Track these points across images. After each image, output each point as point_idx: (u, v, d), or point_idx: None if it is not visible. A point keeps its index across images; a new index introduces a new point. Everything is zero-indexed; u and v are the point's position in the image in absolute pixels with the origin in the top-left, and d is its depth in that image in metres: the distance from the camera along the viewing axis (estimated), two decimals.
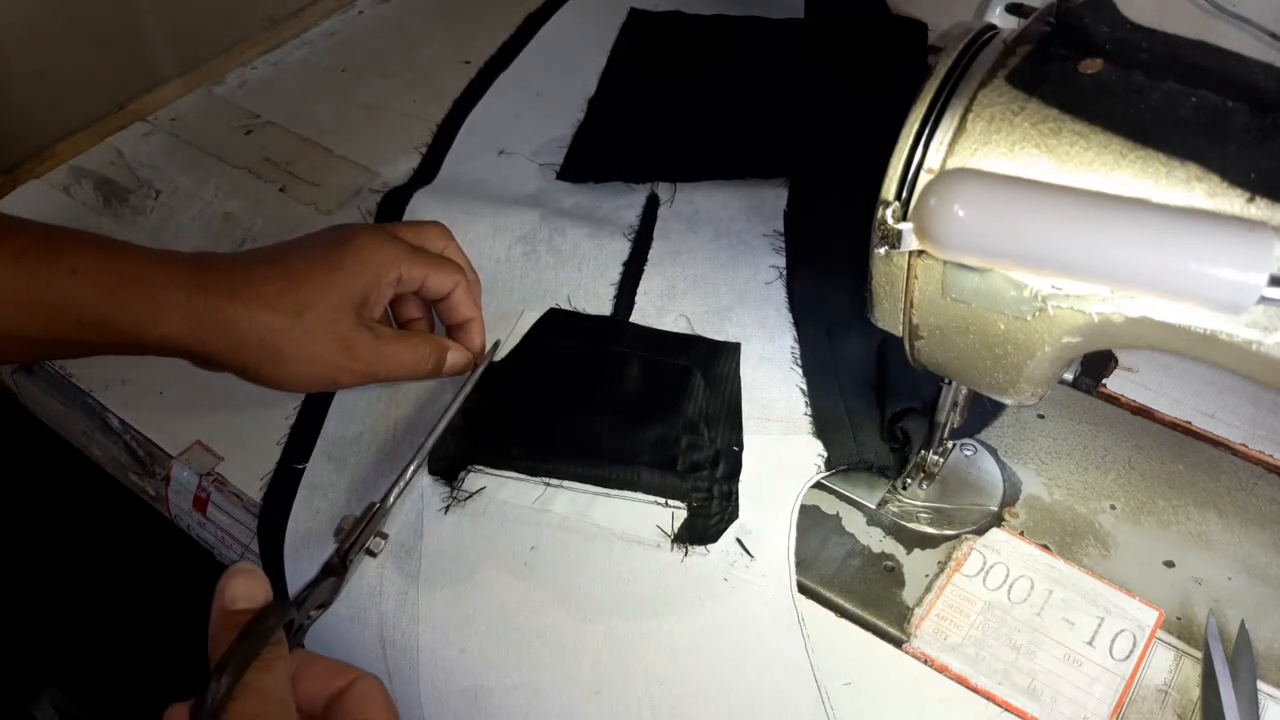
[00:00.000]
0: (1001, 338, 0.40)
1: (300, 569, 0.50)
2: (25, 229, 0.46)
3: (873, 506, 0.53)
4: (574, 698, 0.45)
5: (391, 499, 0.47)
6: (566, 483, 0.52)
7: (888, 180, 0.39)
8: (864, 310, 0.45)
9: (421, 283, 0.51)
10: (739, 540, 0.49)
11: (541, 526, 0.50)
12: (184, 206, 0.70)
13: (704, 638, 0.46)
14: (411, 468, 0.48)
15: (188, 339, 0.45)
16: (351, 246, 0.49)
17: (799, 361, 0.57)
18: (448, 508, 0.51)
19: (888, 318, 0.44)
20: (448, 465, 0.52)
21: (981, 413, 0.55)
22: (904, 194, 0.39)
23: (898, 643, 0.47)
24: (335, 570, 0.44)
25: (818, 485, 0.53)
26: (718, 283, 0.62)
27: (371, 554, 0.46)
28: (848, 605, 0.48)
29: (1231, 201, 0.34)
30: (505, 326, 0.59)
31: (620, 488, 0.51)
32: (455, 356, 0.53)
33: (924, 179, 0.38)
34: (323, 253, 0.48)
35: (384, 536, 0.46)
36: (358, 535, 0.45)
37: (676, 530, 0.50)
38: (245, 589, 0.37)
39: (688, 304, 0.61)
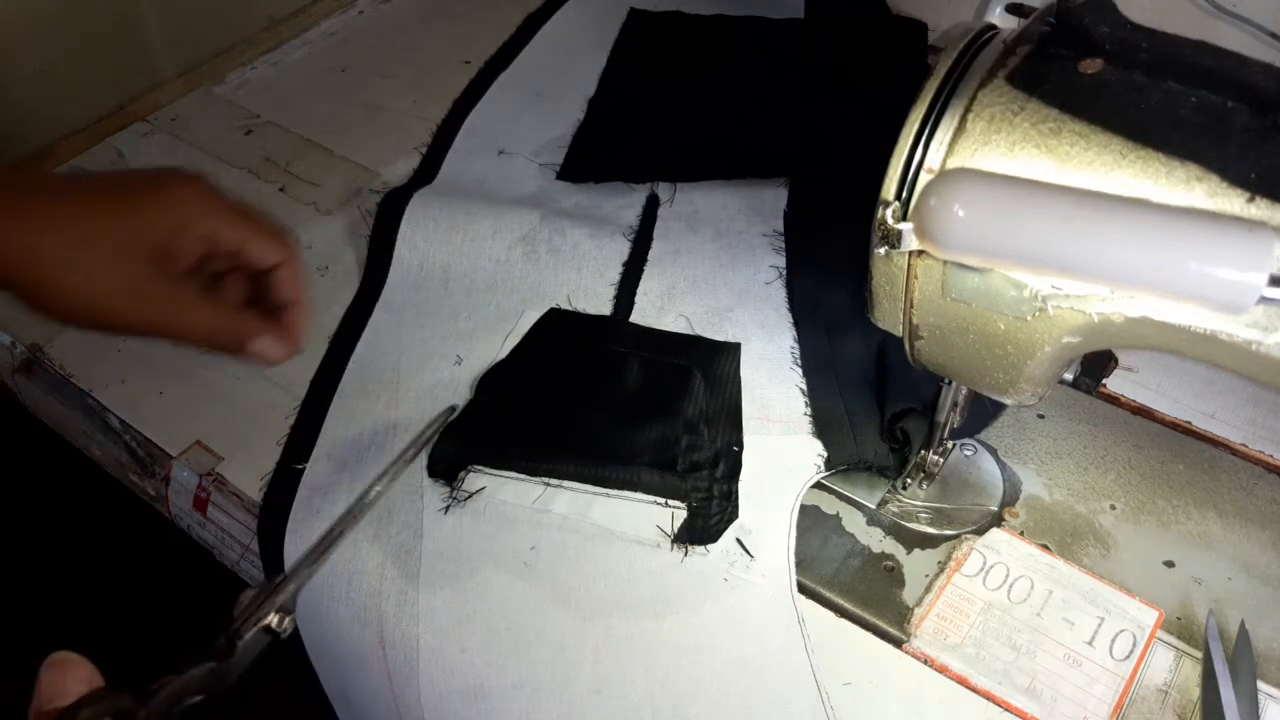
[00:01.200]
0: (1001, 338, 0.40)
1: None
2: None
3: (873, 506, 0.53)
4: (574, 697, 0.45)
5: (300, 573, 0.42)
6: (566, 483, 0.52)
7: (888, 180, 0.39)
8: (864, 310, 0.45)
9: (239, 246, 0.46)
10: (739, 540, 0.49)
11: (541, 527, 0.50)
12: None
13: (704, 637, 0.46)
14: (334, 533, 0.44)
15: None
16: (161, 187, 0.45)
17: (799, 361, 0.57)
18: (448, 508, 0.51)
19: (888, 318, 0.44)
20: (447, 465, 0.52)
21: (981, 413, 0.55)
22: (904, 194, 0.39)
23: (898, 643, 0.47)
24: (220, 652, 0.37)
25: (818, 485, 0.53)
26: (717, 283, 0.62)
27: (274, 634, 0.39)
28: (848, 605, 0.48)
29: (1231, 201, 0.34)
30: (505, 326, 0.59)
31: (620, 488, 0.51)
32: (265, 345, 0.47)
33: (924, 179, 0.38)
34: (129, 189, 0.44)
35: (290, 613, 0.39)
36: (256, 609, 0.39)
37: (676, 530, 0.50)
38: (55, 684, 0.33)
39: (688, 304, 0.61)
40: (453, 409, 0.54)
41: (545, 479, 0.52)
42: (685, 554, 0.49)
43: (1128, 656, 0.46)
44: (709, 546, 0.49)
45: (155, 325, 0.45)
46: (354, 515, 0.45)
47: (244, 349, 0.47)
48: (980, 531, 0.51)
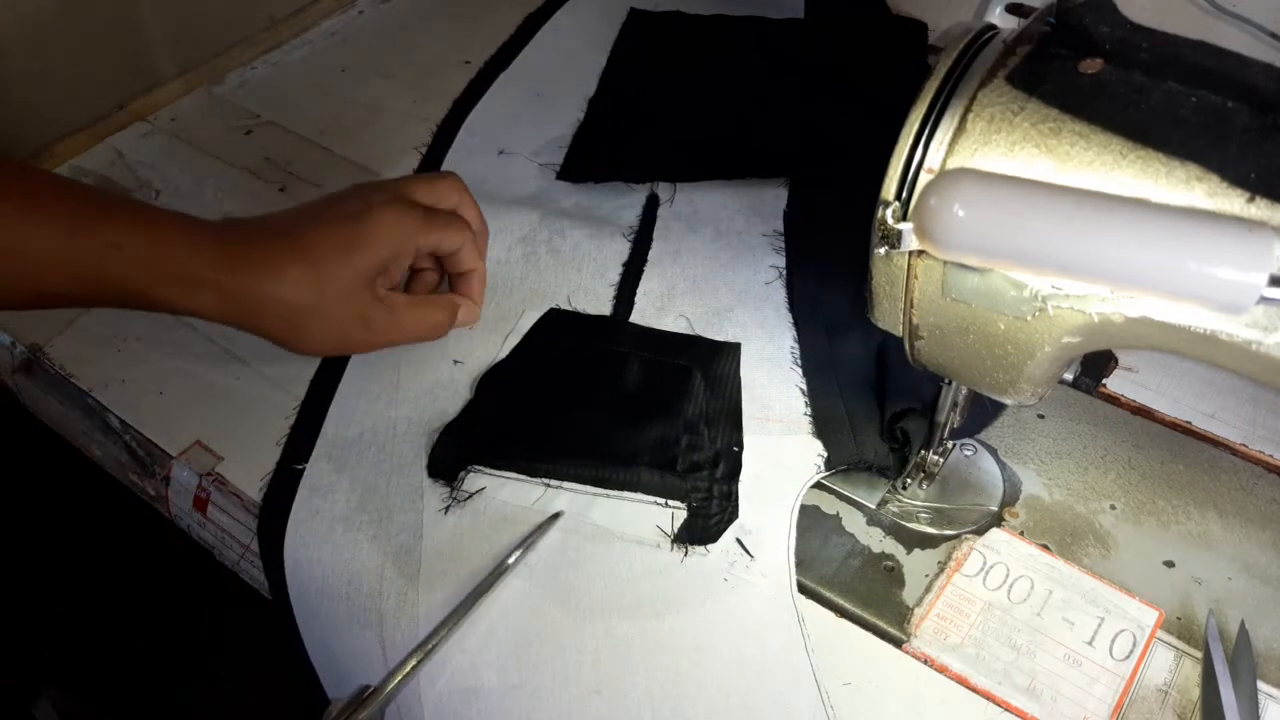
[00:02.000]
0: (1001, 338, 0.40)
1: (300, 570, 0.50)
2: (73, 193, 0.48)
3: (873, 506, 0.53)
4: (574, 697, 0.45)
5: (389, 686, 0.43)
6: (566, 483, 0.52)
7: (888, 180, 0.39)
8: (864, 310, 0.45)
9: (435, 248, 0.54)
10: (739, 540, 0.49)
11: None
12: (184, 206, 0.69)
13: (704, 638, 0.46)
14: (413, 661, 0.44)
15: (217, 314, 0.49)
16: (371, 222, 0.50)
17: (799, 361, 0.57)
18: (447, 508, 0.51)
19: (888, 318, 0.44)
20: (447, 466, 0.52)
21: (981, 413, 0.55)
22: (904, 194, 0.39)
23: (898, 643, 0.47)
24: None
25: (818, 485, 0.53)
26: (717, 283, 0.62)
27: None
28: (848, 605, 0.48)
29: (1231, 201, 0.34)
30: (505, 326, 0.59)
31: (620, 488, 0.51)
32: (465, 313, 0.57)
33: (924, 179, 0.38)
34: (343, 230, 0.50)
35: None
36: None
37: (676, 530, 0.50)
38: None
39: (687, 304, 0.61)
40: (557, 515, 0.50)
41: (545, 479, 0.52)
42: (685, 554, 0.49)
43: (1128, 656, 0.46)
44: (709, 546, 0.49)
45: (384, 342, 0.53)
46: (428, 643, 0.45)
47: (450, 327, 0.56)
48: (980, 531, 0.51)
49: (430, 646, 0.44)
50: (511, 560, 0.48)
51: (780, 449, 0.53)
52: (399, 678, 0.43)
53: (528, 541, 0.48)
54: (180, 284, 0.47)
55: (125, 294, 0.47)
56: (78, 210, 0.47)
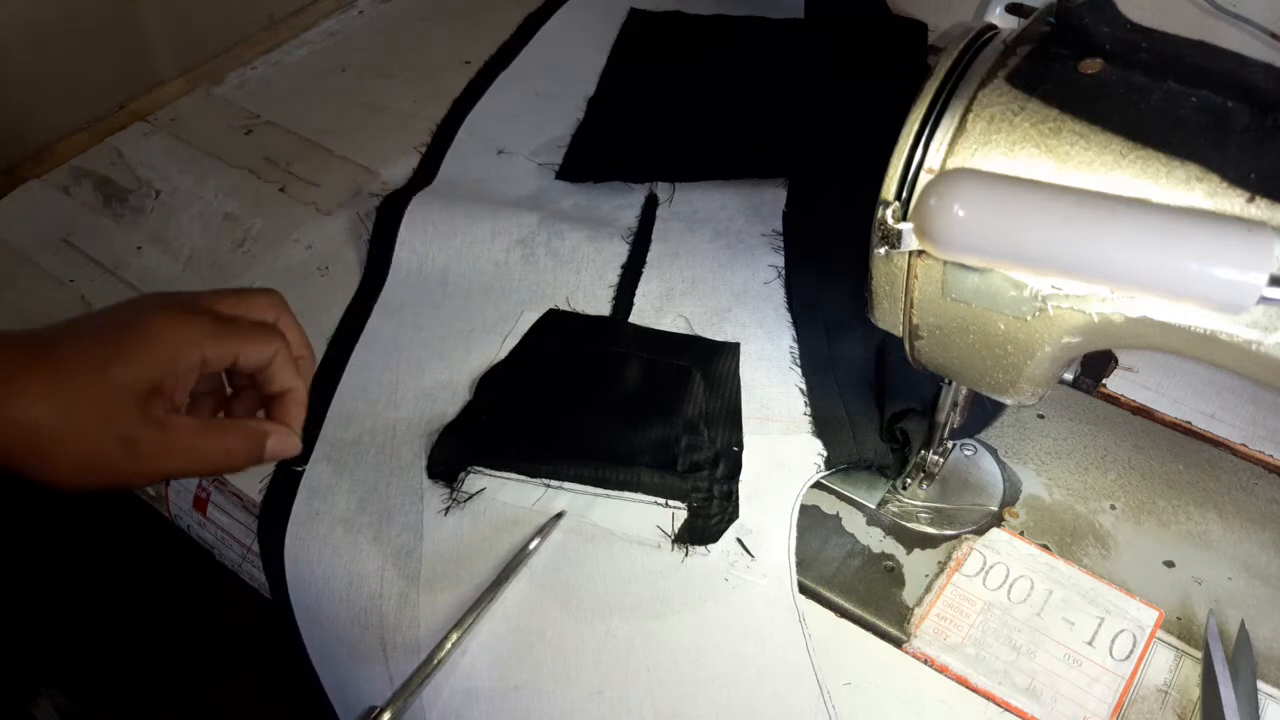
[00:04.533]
0: (1001, 338, 0.40)
1: (300, 571, 0.50)
2: None
3: (873, 506, 0.52)
4: (575, 698, 0.45)
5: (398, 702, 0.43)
6: (566, 484, 0.52)
7: (888, 180, 0.39)
8: (863, 310, 0.45)
9: (233, 359, 0.44)
10: (739, 540, 0.49)
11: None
12: (184, 206, 0.70)
13: (705, 638, 0.46)
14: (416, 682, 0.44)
15: None
16: (137, 329, 0.42)
17: (798, 361, 0.57)
18: (447, 509, 0.51)
19: (888, 318, 0.44)
20: (447, 467, 0.52)
21: (981, 413, 0.54)
22: (904, 194, 0.39)
23: (898, 643, 0.47)
24: None
25: (818, 485, 0.53)
26: (716, 283, 0.62)
27: None
28: (848, 605, 0.48)
29: (1231, 201, 0.34)
30: (504, 328, 0.59)
31: (620, 488, 0.51)
32: (276, 443, 0.45)
33: (924, 179, 0.38)
34: (101, 340, 0.42)
35: None
36: None
37: (677, 530, 0.50)
38: None
39: (686, 305, 0.61)
40: (560, 515, 0.50)
41: (545, 480, 0.52)
42: (686, 554, 0.49)
43: (1128, 656, 0.46)
44: (709, 547, 0.49)
45: (156, 471, 0.43)
46: (424, 669, 0.44)
47: (264, 458, 0.45)
48: (980, 531, 0.51)
49: (436, 661, 0.44)
50: (531, 547, 0.48)
51: (780, 449, 0.53)
52: (406, 695, 0.43)
53: (532, 544, 0.48)
54: None
55: None
56: None
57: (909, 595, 0.49)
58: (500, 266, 0.63)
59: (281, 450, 0.46)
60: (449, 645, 0.45)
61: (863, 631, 0.48)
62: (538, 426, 0.54)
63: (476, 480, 0.52)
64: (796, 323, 0.60)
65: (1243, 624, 0.46)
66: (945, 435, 0.52)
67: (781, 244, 0.65)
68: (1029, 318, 0.39)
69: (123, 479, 0.42)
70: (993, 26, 0.41)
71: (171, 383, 0.43)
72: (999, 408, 0.56)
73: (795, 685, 0.45)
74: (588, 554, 0.49)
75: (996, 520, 0.52)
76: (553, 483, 0.52)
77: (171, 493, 0.56)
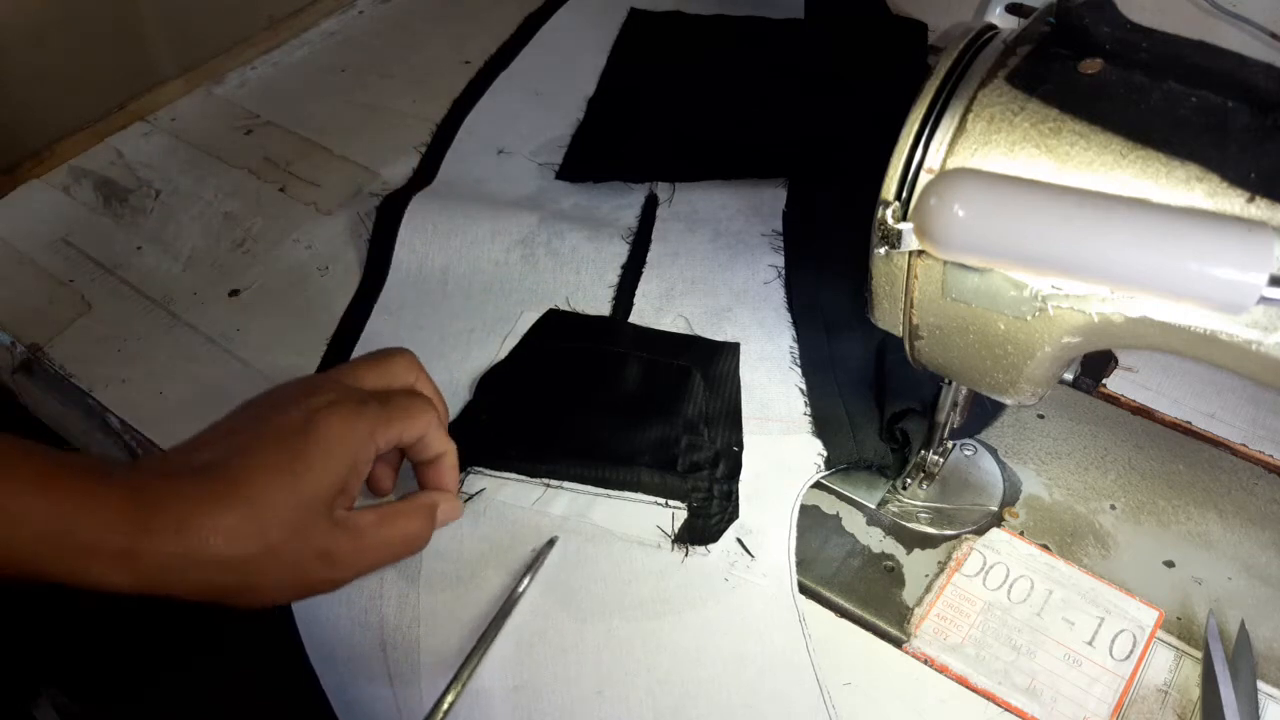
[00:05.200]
0: (1001, 338, 0.40)
1: None
2: None
3: (873, 506, 0.53)
4: (575, 698, 0.45)
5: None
6: (566, 484, 0.52)
7: (888, 180, 0.39)
8: (863, 310, 0.45)
9: (398, 440, 0.44)
10: (739, 540, 0.49)
11: (542, 528, 0.50)
12: (184, 206, 0.70)
13: (705, 638, 0.46)
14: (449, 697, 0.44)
15: (133, 586, 0.38)
16: (314, 437, 0.40)
17: (798, 361, 0.57)
18: None
19: (888, 318, 0.44)
20: None
21: (981, 413, 0.54)
22: (904, 194, 0.39)
23: (898, 643, 0.47)
24: None
25: (818, 485, 0.53)
26: (716, 283, 0.62)
27: None
28: (848, 605, 0.48)
29: (1231, 201, 0.34)
30: (504, 328, 0.59)
31: (620, 488, 0.51)
32: (445, 512, 0.46)
33: (924, 179, 0.38)
34: (282, 455, 0.40)
35: None
36: None
37: (677, 530, 0.50)
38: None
39: (686, 305, 0.61)
40: (552, 541, 0.50)
41: (545, 480, 0.52)
42: (686, 554, 0.49)
43: (1128, 656, 0.46)
44: (709, 547, 0.49)
45: (354, 575, 0.42)
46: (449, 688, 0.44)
47: (433, 531, 0.45)
48: (980, 531, 0.51)
49: (452, 698, 0.43)
50: (521, 589, 0.47)
51: (780, 449, 0.53)
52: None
53: (532, 569, 0.48)
54: (75, 552, 0.36)
55: (8, 565, 0.37)
56: None
57: (909, 595, 0.49)
58: (500, 266, 0.63)
59: (449, 517, 0.46)
60: (466, 671, 0.44)
61: (863, 631, 0.48)
62: (538, 426, 0.54)
63: (476, 480, 0.52)
64: (796, 323, 0.60)
65: (1243, 624, 0.46)
66: (945, 435, 0.52)
67: (781, 244, 0.65)
68: (1029, 318, 0.39)
69: (322, 588, 0.42)
70: (993, 26, 0.41)
71: (354, 483, 0.42)
72: (999, 408, 0.56)
73: (795, 685, 0.45)
74: (588, 554, 0.49)
75: (996, 520, 0.52)
76: (552, 483, 0.52)
77: None
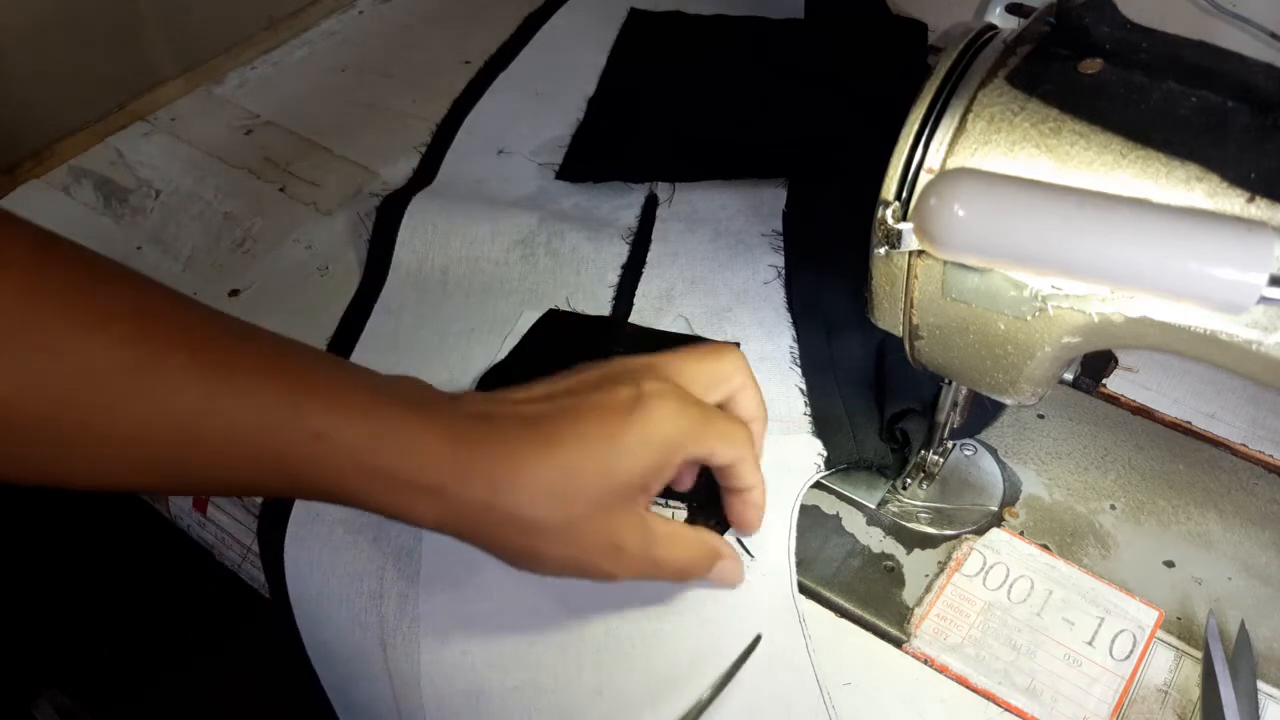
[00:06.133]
0: (1001, 338, 0.40)
1: (300, 571, 0.50)
2: (266, 357, 0.36)
3: (873, 506, 0.52)
4: (575, 698, 0.45)
5: None
6: None
7: (888, 180, 0.39)
8: (863, 310, 0.45)
9: (707, 458, 0.42)
10: (739, 540, 0.49)
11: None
12: (184, 206, 0.70)
13: (705, 638, 0.46)
14: None
15: (434, 523, 0.38)
16: (638, 420, 0.39)
17: (798, 361, 0.57)
18: None
19: (888, 318, 0.44)
20: None
21: (981, 413, 0.54)
22: (904, 194, 0.39)
23: (898, 643, 0.47)
24: None
25: (818, 485, 0.53)
26: (716, 283, 0.62)
27: None
28: (848, 605, 0.48)
29: (1231, 201, 0.34)
30: (504, 328, 0.59)
31: None
32: (724, 569, 0.44)
33: (924, 179, 0.38)
34: (602, 427, 0.38)
35: None
36: None
37: None
38: None
39: (686, 305, 0.61)
40: (757, 639, 0.46)
41: None
42: None
43: (1128, 656, 0.46)
44: None
45: (629, 575, 0.41)
46: None
47: (704, 575, 0.43)
48: (980, 531, 0.51)
49: None
50: (715, 696, 0.44)
51: (780, 449, 0.53)
52: None
53: (731, 672, 0.45)
54: (391, 486, 0.37)
55: (317, 490, 0.37)
56: (278, 385, 0.35)
57: (909, 595, 0.49)
58: (500, 266, 0.63)
59: (725, 580, 0.44)
60: None
61: (863, 631, 0.48)
62: None
63: None
64: (796, 323, 0.60)
65: (1243, 624, 0.46)
66: (945, 435, 0.52)
67: (781, 244, 0.65)
68: (1029, 318, 0.39)
69: (596, 576, 0.40)
70: (993, 26, 0.41)
71: (657, 481, 0.40)
72: (999, 408, 0.56)
73: (795, 685, 0.45)
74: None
75: (996, 520, 0.52)
76: None
77: None
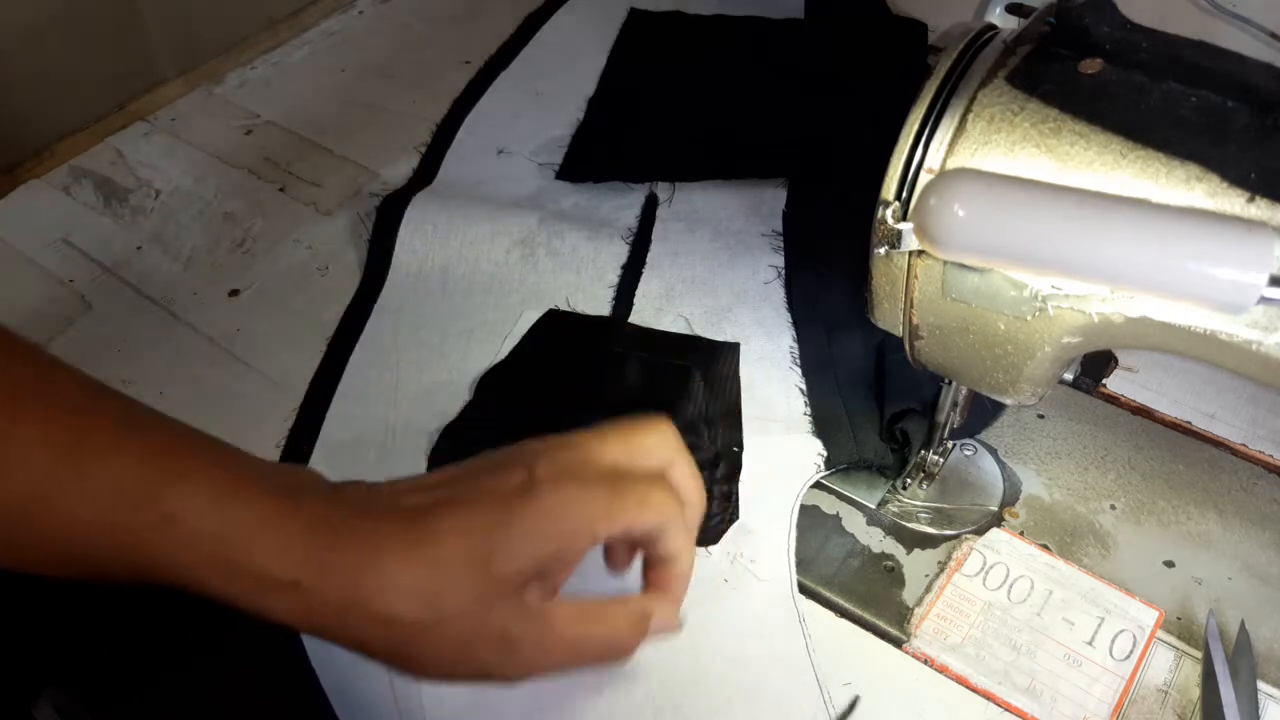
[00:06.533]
0: (1001, 338, 0.40)
1: None
2: (119, 439, 0.34)
3: (873, 506, 0.52)
4: (576, 698, 0.45)
5: None
6: None
7: (888, 180, 0.39)
8: (863, 310, 0.45)
9: (624, 532, 0.38)
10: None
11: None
12: (184, 206, 0.70)
13: (705, 638, 0.46)
14: None
15: (294, 620, 0.35)
16: (526, 511, 0.35)
17: (798, 361, 0.57)
18: None
19: (888, 318, 0.44)
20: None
21: (981, 413, 0.54)
22: (904, 194, 0.39)
23: (898, 643, 0.47)
24: None
25: (818, 485, 0.53)
26: (716, 283, 0.62)
27: None
28: (848, 605, 0.48)
29: (1231, 201, 0.34)
30: (504, 328, 0.59)
31: None
32: (660, 622, 0.39)
33: (924, 179, 0.38)
34: (487, 516, 0.35)
35: None
36: None
37: None
38: None
39: (686, 305, 0.61)
40: (854, 701, 0.44)
41: None
42: None
43: (1128, 656, 0.46)
44: (710, 548, 0.49)
45: (535, 669, 0.37)
46: None
47: (643, 641, 0.39)
48: (980, 531, 0.51)
49: None
50: None
51: (780, 449, 0.53)
52: None
53: None
54: (242, 577, 0.34)
55: (166, 576, 0.34)
56: (130, 461, 0.33)
57: (909, 595, 0.49)
58: (500, 266, 0.63)
59: (664, 630, 0.40)
60: None
61: (863, 631, 0.48)
62: (537, 427, 0.54)
63: None
64: (796, 323, 0.60)
65: (1243, 624, 0.46)
66: (945, 435, 0.52)
67: (781, 244, 0.65)
68: (1029, 318, 0.39)
69: (495, 676, 0.37)
70: (993, 26, 0.41)
71: (558, 571, 0.38)
72: (999, 408, 0.56)
73: (795, 685, 0.45)
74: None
75: (996, 520, 0.52)
76: None
77: None
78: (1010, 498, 0.53)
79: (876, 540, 0.51)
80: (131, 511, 0.33)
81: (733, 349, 0.58)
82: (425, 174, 0.71)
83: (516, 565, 0.35)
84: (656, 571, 0.40)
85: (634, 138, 0.73)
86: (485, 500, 0.36)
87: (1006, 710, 0.45)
